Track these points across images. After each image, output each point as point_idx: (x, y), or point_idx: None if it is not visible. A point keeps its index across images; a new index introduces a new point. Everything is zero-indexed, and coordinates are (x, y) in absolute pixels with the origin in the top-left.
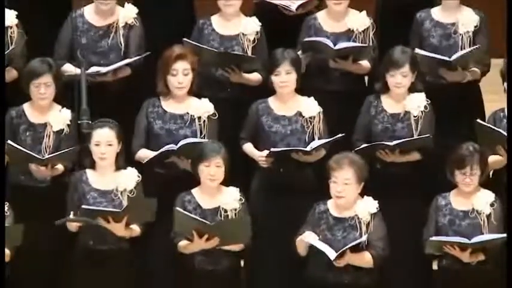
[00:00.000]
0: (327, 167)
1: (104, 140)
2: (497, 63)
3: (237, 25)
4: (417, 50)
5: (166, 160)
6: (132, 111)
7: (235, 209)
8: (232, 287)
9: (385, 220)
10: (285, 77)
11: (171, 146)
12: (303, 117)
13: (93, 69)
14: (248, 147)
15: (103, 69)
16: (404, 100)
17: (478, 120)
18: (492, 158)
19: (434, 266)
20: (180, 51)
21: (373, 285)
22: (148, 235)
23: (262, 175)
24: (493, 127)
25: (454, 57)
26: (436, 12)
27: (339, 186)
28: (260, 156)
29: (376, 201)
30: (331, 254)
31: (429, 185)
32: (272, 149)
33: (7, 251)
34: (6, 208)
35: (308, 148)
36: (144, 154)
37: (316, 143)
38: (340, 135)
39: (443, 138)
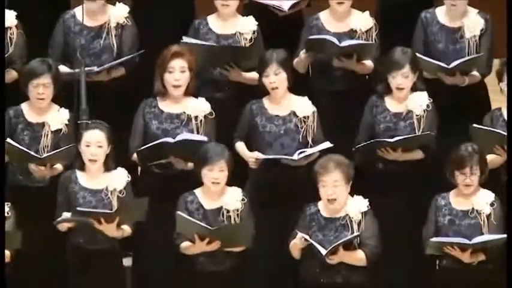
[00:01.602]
0: (313, 172)
1: (94, 141)
2: (494, 64)
3: (234, 24)
4: (417, 55)
5: (165, 160)
6: (131, 112)
7: (238, 210)
8: None
9: (386, 219)
10: (273, 78)
11: (168, 139)
12: (297, 116)
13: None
14: (240, 147)
15: (95, 69)
16: (406, 99)
17: (474, 125)
18: (489, 157)
19: (435, 266)
20: (177, 49)
21: (365, 285)
22: (148, 235)
23: (255, 176)
24: (489, 128)
25: (453, 64)
26: (442, 15)
27: (329, 189)
28: (250, 157)
29: (367, 200)
30: (323, 250)
31: (433, 184)
32: (260, 156)
33: (8, 253)
34: (7, 209)
35: (295, 157)
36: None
37: (304, 152)
38: (329, 144)
39: (448, 137)
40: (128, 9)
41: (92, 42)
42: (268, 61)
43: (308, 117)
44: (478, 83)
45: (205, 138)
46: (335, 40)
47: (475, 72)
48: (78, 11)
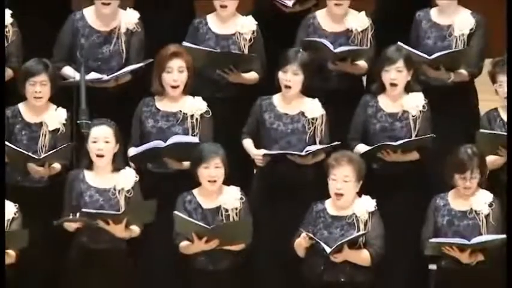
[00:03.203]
0: (326, 165)
1: (101, 136)
2: (486, 64)
3: (233, 24)
4: (399, 44)
5: (157, 160)
6: (131, 112)
7: (236, 208)
8: (233, 287)
9: (385, 220)
10: (290, 76)
11: (159, 143)
12: (306, 117)
13: (94, 75)
14: (247, 143)
15: (105, 77)
16: (401, 99)
17: (481, 130)
18: (490, 158)
19: (434, 267)
20: (175, 49)
21: (369, 284)
22: (147, 235)
23: (262, 174)
24: (495, 132)
25: (433, 56)
26: (434, 13)
27: (338, 183)
28: (256, 155)
29: (374, 200)
30: (328, 248)
31: (429, 184)
32: (266, 152)
33: (13, 253)
34: (15, 210)
35: (303, 153)
36: (131, 153)
37: (312, 148)
38: (337, 142)
39: (439, 138)
40: (138, 15)
41: (102, 47)
42: (291, 59)
43: (316, 119)
44: (467, 85)
45: (196, 140)
46: (330, 46)
47: (462, 70)
48: (87, 13)
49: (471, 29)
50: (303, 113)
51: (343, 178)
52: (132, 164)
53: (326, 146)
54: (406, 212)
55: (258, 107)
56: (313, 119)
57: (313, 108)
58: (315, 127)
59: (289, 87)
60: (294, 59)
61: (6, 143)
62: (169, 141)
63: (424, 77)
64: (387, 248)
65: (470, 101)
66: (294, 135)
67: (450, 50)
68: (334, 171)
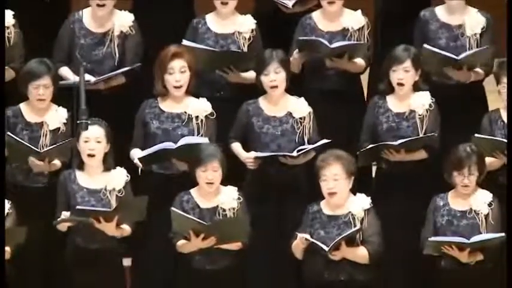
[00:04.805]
0: (315, 167)
1: (93, 136)
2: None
3: (233, 23)
4: (426, 46)
5: (166, 161)
6: (131, 112)
7: (234, 208)
8: (231, 287)
9: (389, 220)
10: (273, 76)
11: (170, 145)
12: (294, 118)
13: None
14: (236, 147)
15: (92, 79)
16: (408, 99)
17: (476, 135)
18: (489, 160)
19: (434, 266)
20: (176, 49)
21: (369, 282)
22: (147, 235)
23: (253, 176)
24: (491, 137)
25: (461, 56)
26: (441, 13)
27: (330, 182)
28: (247, 158)
29: (369, 198)
30: (325, 246)
31: (436, 184)
32: (258, 154)
33: (8, 249)
34: (8, 207)
35: (294, 153)
36: (137, 154)
37: (304, 147)
38: (326, 140)
39: (449, 137)
40: (133, 18)
41: (95, 48)
42: (270, 60)
43: (304, 118)
44: (476, 83)
45: (206, 140)
46: (326, 42)
47: (478, 69)
48: (85, 14)
49: (482, 28)
50: (290, 114)
51: (333, 177)
52: (140, 165)
53: (316, 145)
54: (413, 212)
55: (245, 111)
56: (301, 118)
57: (300, 107)
58: (303, 126)
59: (276, 86)
60: (272, 58)
61: (9, 133)
62: (180, 143)
63: (445, 78)
64: (388, 247)
65: (482, 100)
66: (284, 137)
67: (477, 49)
68: (324, 172)
